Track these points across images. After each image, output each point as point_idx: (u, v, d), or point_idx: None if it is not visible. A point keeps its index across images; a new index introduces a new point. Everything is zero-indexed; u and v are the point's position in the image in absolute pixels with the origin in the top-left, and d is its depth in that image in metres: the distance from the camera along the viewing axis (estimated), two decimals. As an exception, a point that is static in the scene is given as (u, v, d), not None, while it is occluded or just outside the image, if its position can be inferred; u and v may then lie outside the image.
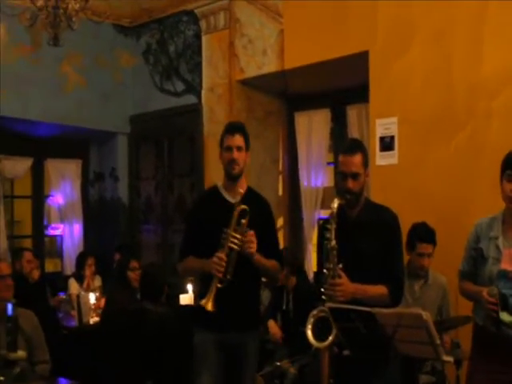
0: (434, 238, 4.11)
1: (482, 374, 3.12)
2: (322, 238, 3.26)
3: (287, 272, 4.88)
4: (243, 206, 3.38)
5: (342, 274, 3.09)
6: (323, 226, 3.29)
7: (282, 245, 6.49)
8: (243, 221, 3.37)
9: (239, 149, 3.54)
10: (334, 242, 3.11)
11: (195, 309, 3.79)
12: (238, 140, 3.54)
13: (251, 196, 3.63)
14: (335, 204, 3.16)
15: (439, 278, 4.24)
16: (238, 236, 3.35)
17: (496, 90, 4.60)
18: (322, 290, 3.10)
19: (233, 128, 3.60)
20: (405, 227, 4.22)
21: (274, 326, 4.82)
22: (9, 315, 2.39)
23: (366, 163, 3.28)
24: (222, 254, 3.31)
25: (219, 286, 3.31)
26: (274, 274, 3.74)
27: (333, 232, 3.12)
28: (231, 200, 3.54)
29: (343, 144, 3.42)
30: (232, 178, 3.56)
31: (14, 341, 2.34)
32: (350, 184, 3.20)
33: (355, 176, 3.20)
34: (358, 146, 3.33)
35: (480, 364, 3.16)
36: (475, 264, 3.23)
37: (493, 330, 3.02)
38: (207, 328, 3.52)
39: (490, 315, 3.00)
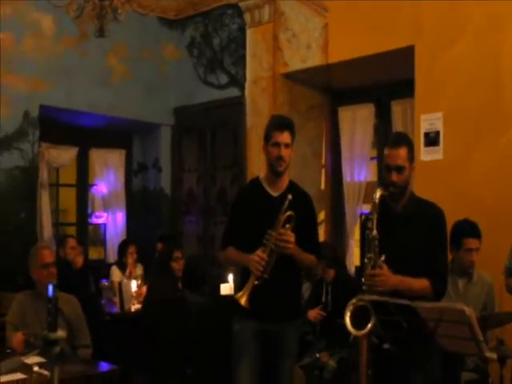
0: (479, 232, 4.07)
1: None
2: (364, 229, 3.26)
3: (324, 265, 4.88)
4: (290, 212, 3.39)
5: (383, 265, 3.09)
6: (366, 217, 3.29)
7: (323, 239, 6.50)
8: (288, 225, 3.39)
9: (287, 146, 3.54)
10: (375, 232, 3.12)
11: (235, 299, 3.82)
12: (287, 137, 3.54)
13: (293, 190, 3.62)
14: (377, 194, 3.17)
15: (485, 276, 4.19)
16: (282, 232, 3.37)
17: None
18: (363, 280, 3.10)
19: (282, 124, 3.59)
20: (448, 224, 4.20)
21: (312, 312, 4.82)
22: (49, 296, 2.44)
23: (411, 157, 3.26)
24: (263, 254, 3.33)
25: (256, 283, 3.33)
26: (311, 269, 3.77)
27: (374, 222, 3.13)
28: (274, 194, 3.57)
29: (388, 138, 3.39)
30: (276, 174, 3.58)
31: (54, 321, 2.39)
32: (395, 177, 3.19)
33: (400, 169, 3.20)
34: (403, 140, 3.32)
35: None
36: None
37: None
38: (247, 317, 3.53)
39: None
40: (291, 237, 3.38)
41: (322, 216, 6.77)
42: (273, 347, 3.55)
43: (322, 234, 6.63)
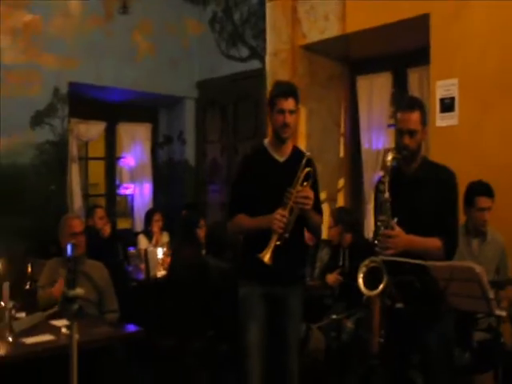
0: (492, 192, 4.03)
1: None
2: (377, 193, 3.22)
3: (342, 230, 4.87)
4: (308, 169, 3.38)
5: (396, 226, 3.06)
6: (379, 181, 3.25)
7: (341, 205, 6.49)
8: (305, 183, 3.37)
9: (291, 112, 3.47)
10: (387, 194, 3.09)
11: (241, 263, 3.75)
12: (291, 103, 3.46)
13: (297, 154, 3.57)
14: (389, 157, 3.14)
15: (497, 236, 4.14)
16: (301, 190, 3.35)
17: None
18: (376, 242, 3.08)
19: (287, 91, 3.49)
20: (463, 187, 4.16)
21: (330, 276, 4.83)
22: (68, 255, 2.49)
23: (424, 121, 3.21)
24: (284, 212, 3.29)
25: (278, 243, 3.29)
26: (319, 228, 3.73)
27: (386, 185, 3.10)
28: (279, 159, 3.52)
29: (402, 101, 3.33)
30: (282, 140, 3.52)
31: (73, 279, 2.43)
32: (407, 140, 3.15)
33: (412, 133, 3.15)
34: (416, 104, 3.25)
35: None
36: None
37: None
38: (253, 281, 3.51)
39: None
40: (310, 193, 3.35)
41: (341, 183, 6.75)
42: (279, 310, 3.52)
43: (340, 201, 6.62)
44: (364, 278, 3.02)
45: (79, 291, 2.42)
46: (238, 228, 3.62)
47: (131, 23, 7.20)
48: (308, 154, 3.43)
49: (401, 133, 3.17)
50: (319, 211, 3.61)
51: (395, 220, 3.08)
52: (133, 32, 7.45)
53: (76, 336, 2.50)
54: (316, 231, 3.76)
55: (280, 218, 3.28)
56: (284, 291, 3.51)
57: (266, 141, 3.63)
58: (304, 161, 3.38)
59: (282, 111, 3.44)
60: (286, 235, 3.31)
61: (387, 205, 3.08)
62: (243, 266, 3.66)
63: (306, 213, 3.40)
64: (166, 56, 7.75)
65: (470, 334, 3.58)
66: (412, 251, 3.01)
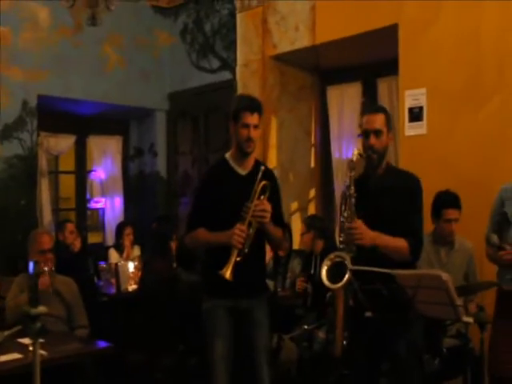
0: (459, 203, 4.09)
1: (506, 336, 3.09)
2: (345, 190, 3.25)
3: (314, 236, 4.89)
4: (265, 182, 3.39)
5: (359, 221, 3.08)
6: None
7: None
8: (262, 196, 3.38)
9: (256, 127, 3.46)
10: (352, 190, 3.13)
11: (205, 277, 3.71)
12: (256, 119, 3.46)
13: (259, 167, 3.54)
14: (354, 152, 3.21)
15: (465, 243, 4.20)
16: (258, 203, 3.36)
17: (525, 59, 4.52)
18: (340, 239, 3.10)
19: (252, 106, 3.48)
20: (431, 196, 4.21)
21: (299, 281, 4.85)
22: (30, 273, 2.48)
23: (389, 125, 3.27)
24: (243, 227, 3.30)
25: (238, 259, 3.29)
26: (280, 242, 3.71)
27: (352, 181, 3.14)
28: (241, 172, 3.52)
29: (366, 109, 3.40)
30: (245, 154, 3.51)
31: (35, 297, 2.42)
32: (373, 140, 3.20)
33: (378, 133, 3.21)
34: (380, 108, 3.36)
35: (504, 327, 3.13)
36: (500, 229, 3.18)
37: None
38: (216, 296, 3.51)
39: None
40: (268, 206, 3.36)
41: (312, 193, 6.79)
42: (244, 322, 3.52)
43: (312, 210, 6.66)
44: (328, 272, 3.04)
45: (42, 309, 2.41)
46: (196, 242, 3.59)
47: (101, 35, 7.17)
48: (263, 167, 3.43)
49: (366, 134, 3.23)
50: (281, 224, 3.62)
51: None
52: (102, 44, 7.42)
53: (40, 354, 2.49)
54: (277, 244, 3.76)
55: (239, 233, 3.28)
56: (248, 304, 3.51)
57: (228, 154, 3.62)
58: (260, 174, 3.39)
59: (247, 125, 3.43)
60: (246, 250, 3.32)
61: (352, 200, 3.12)
62: (205, 281, 3.66)
63: (265, 226, 3.41)
64: (137, 68, 7.74)
65: (439, 341, 3.62)
66: (379, 252, 3.05)
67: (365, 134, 3.24)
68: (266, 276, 3.87)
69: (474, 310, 3.36)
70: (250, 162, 3.56)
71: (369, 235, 3.07)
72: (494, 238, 2.96)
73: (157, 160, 8.18)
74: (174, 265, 5.08)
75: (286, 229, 3.73)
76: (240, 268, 3.29)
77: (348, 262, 2.97)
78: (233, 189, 3.45)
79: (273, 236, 3.53)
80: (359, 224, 3.07)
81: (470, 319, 3.05)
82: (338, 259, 3.03)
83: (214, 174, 3.66)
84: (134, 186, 8.43)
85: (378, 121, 3.22)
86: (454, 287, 2.85)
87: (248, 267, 3.35)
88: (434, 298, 2.85)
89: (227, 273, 3.26)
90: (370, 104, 6.15)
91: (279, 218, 3.60)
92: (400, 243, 3.13)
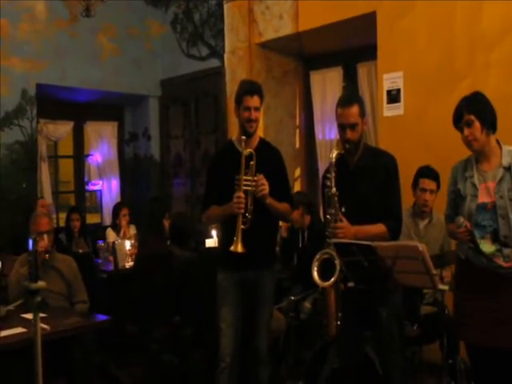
0: (436, 176, 4.07)
1: (467, 301, 3.09)
2: (324, 188, 3.25)
3: (303, 211, 4.87)
4: (249, 150, 3.44)
5: (343, 219, 3.10)
6: (324, 176, 3.26)
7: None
8: (251, 163, 3.42)
9: (256, 109, 3.54)
10: (334, 190, 3.11)
11: (219, 252, 3.89)
12: (256, 101, 3.54)
13: (263, 146, 3.67)
14: (334, 154, 3.16)
15: (442, 218, 4.17)
16: (250, 177, 3.41)
17: (494, 42, 4.53)
18: (327, 233, 3.11)
19: (252, 89, 3.56)
20: (410, 173, 4.21)
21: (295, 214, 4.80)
22: (29, 249, 2.45)
23: (362, 113, 3.22)
24: (239, 193, 3.37)
25: (243, 227, 3.36)
26: (285, 216, 3.77)
27: (332, 180, 3.12)
28: (248, 155, 3.52)
29: (340, 97, 3.34)
30: (248, 134, 3.55)
31: (36, 272, 2.39)
32: (349, 134, 3.17)
33: (353, 126, 3.17)
34: (353, 98, 3.28)
35: (461, 292, 3.13)
36: (456, 205, 3.17)
37: (477, 262, 2.99)
38: (228, 268, 3.60)
39: (470, 248, 2.97)
40: (261, 180, 3.40)
41: (297, 172, 6.81)
42: (251, 295, 3.59)
43: (297, 189, 6.66)
44: (318, 270, 3.04)
45: (41, 284, 2.38)
46: (210, 218, 3.75)
47: (95, 26, 7.13)
48: (249, 150, 3.45)
49: (342, 127, 3.19)
50: (287, 199, 3.65)
51: (343, 209, 3.11)
52: (97, 34, 7.38)
53: (41, 328, 2.46)
54: (280, 218, 3.82)
55: (237, 200, 3.36)
56: (257, 276, 3.58)
57: (234, 136, 3.68)
58: (246, 154, 3.43)
59: (248, 108, 3.51)
60: (249, 216, 3.38)
61: (334, 199, 3.11)
62: (219, 255, 3.78)
63: (264, 200, 3.43)
64: (130, 57, 7.71)
65: (417, 308, 3.62)
66: (360, 239, 3.04)
67: (341, 127, 3.21)
68: (274, 248, 3.93)
69: (448, 278, 3.36)
70: (254, 142, 3.61)
71: (351, 232, 3.09)
72: (461, 219, 2.96)
73: (150, 144, 8.18)
74: (168, 242, 5.05)
75: (292, 203, 3.74)
76: (250, 240, 3.35)
77: (335, 260, 2.96)
78: (236, 166, 3.46)
79: (274, 209, 3.54)
80: (343, 225, 3.09)
81: (445, 287, 3.07)
82: (325, 256, 3.02)
83: (221, 156, 3.78)
84: (130, 169, 8.43)
85: (353, 114, 3.17)
86: (430, 257, 2.85)
87: (254, 240, 3.40)
88: (411, 267, 2.84)
89: (238, 246, 3.36)
90: (350, 87, 6.14)
91: (285, 194, 3.65)
92: (379, 229, 3.15)
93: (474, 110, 3.03)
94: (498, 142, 3.10)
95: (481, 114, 3.02)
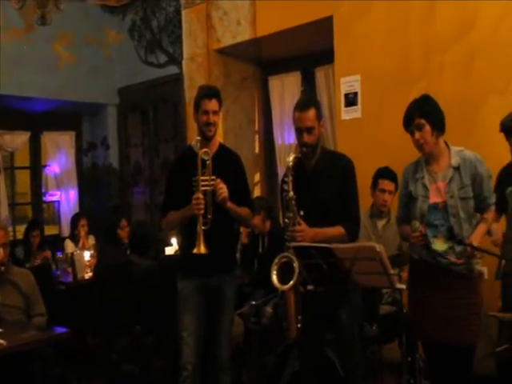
0: (394, 177, 4.12)
1: (420, 299, 3.16)
2: (282, 192, 3.26)
3: (264, 217, 4.89)
4: (204, 150, 3.44)
5: (302, 222, 3.12)
6: (283, 180, 3.29)
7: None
8: (208, 162, 3.43)
9: (215, 113, 3.56)
10: (291, 193, 3.14)
11: (178, 259, 3.90)
12: (214, 104, 3.56)
13: (223, 151, 3.68)
14: (291, 158, 3.19)
15: (398, 219, 4.25)
16: (207, 177, 3.42)
17: (448, 44, 4.62)
18: (285, 237, 3.13)
19: (210, 93, 3.59)
20: (368, 175, 4.26)
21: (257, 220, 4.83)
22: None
23: (319, 116, 3.26)
24: (198, 195, 3.37)
25: (204, 228, 3.36)
26: (246, 220, 3.78)
27: (290, 184, 3.15)
28: (204, 156, 3.53)
29: (298, 101, 3.38)
30: (207, 139, 3.57)
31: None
32: (306, 138, 3.21)
33: (310, 130, 3.21)
34: (310, 102, 3.31)
35: (414, 291, 3.20)
36: (408, 208, 3.23)
37: (430, 261, 3.05)
38: (189, 275, 3.58)
39: (423, 247, 3.03)
40: (221, 183, 3.42)
41: (257, 177, 6.84)
42: (213, 301, 3.59)
43: (257, 194, 6.68)
44: (278, 274, 3.05)
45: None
46: (169, 224, 3.72)
47: (51, 34, 7.07)
48: (203, 150, 3.44)
49: (300, 131, 3.23)
50: (247, 204, 3.67)
51: (301, 213, 3.14)
52: (53, 43, 7.32)
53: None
54: (240, 222, 3.86)
55: (196, 201, 3.36)
56: (219, 282, 3.58)
57: (194, 142, 3.66)
58: (202, 154, 3.43)
59: (206, 112, 3.54)
60: (209, 216, 3.39)
61: (292, 203, 3.13)
62: (179, 262, 3.77)
63: (224, 204, 3.44)
64: (87, 65, 7.65)
65: (377, 308, 3.67)
66: (319, 241, 3.07)
67: (298, 131, 3.24)
68: (235, 253, 3.97)
69: (406, 277, 3.41)
70: (214, 147, 3.62)
71: (309, 235, 3.11)
72: (417, 224, 3.03)
73: (109, 152, 8.14)
74: (128, 251, 5.02)
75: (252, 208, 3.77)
76: (209, 244, 3.35)
77: (294, 262, 2.98)
78: (195, 171, 3.45)
79: (234, 213, 3.56)
80: (301, 228, 3.11)
81: (402, 286, 3.11)
82: (284, 259, 3.04)
83: (180, 161, 3.79)
84: (88, 179, 8.37)
85: (309, 118, 3.20)
86: (388, 257, 2.89)
87: (214, 245, 3.40)
88: (369, 268, 2.88)
89: (200, 247, 3.36)
90: (305, 93, 6.19)
91: (244, 198, 3.67)
92: (338, 231, 3.18)
93: (425, 113, 3.11)
94: (446, 143, 3.18)
95: (431, 118, 3.10)
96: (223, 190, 3.41)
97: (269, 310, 4.26)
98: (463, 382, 3.10)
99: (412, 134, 3.15)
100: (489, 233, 3.46)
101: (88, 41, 7.68)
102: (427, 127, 3.09)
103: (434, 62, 4.67)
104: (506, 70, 4.31)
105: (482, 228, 3.09)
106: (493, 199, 3.17)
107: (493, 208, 3.18)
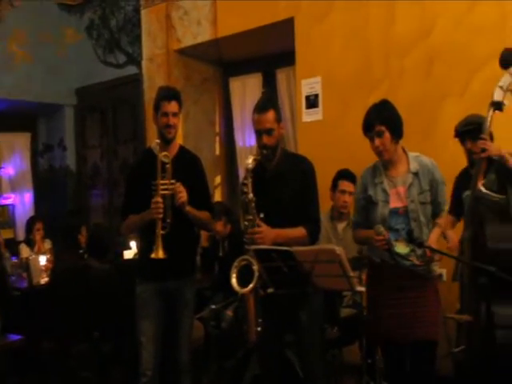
0: (355, 179, 4.14)
1: (373, 301, 3.21)
2: (241, 194, 3.25)
3: (225, 221, 4.90)
4: (164, 153, 3.43)
5: (261, 223, 3.12)
6: (242, 182, 3.28)
7: (220, 200, 6.54)
8: (167, 166, 3.42)
9: (174, 115, 3.56)
10: (251, 196, 3.12)
11: (137, 262, 3.88)
12: (174, 106, 3.55)
13: (183, 154, 3.68)
14: (250, 160, 3.18)
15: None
16: (167, 181, 3.41)
17: (408, 48, 4.70)
18: (245, 240, 3.13)
19: (169, 95, 3.58)
20: (329, 177, 4.31)
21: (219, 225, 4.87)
22: None
23: (278, 118, 3.27)
24: (157, 198, 3.37)
25: (163, 232, 3.36)
26: (206, 224, 3.78)
27: (249, 186, 3.14)
28: (164, 159, 3.52)
29: (256, 103, 3.39)
30: (167, 141, 3.57)
31: None
32: (265, 140, 3.21)
33: (269, 132, 3.21)
34: (269, 104, 3.30)
35: (372, 293, 3.25)
36: (366, 212, 3.28)
37: (391, 263, 3.09)
38: (148, 279, 3.58)
39: (386, 251, 3.07)
40: (180, 187, 3.41)
41: (218, 180, 6.84)
42: (172, 305, 3.58)
43: (218, 197, 6.68)
44: (237, 277, 3.06)
45: None
46: (129, 227, 3.70)
47: (5, 32, 6.97)
48: (163, 153, 3.44)
49: (259, 133, 3.23)
50: (208, 209, 3.68)
51: (261, 215, 3.14)
52: (7, 41, 7.21)
53: None
54: (200, 226, 3.84)
55: (154, 205, 3.36)
56: (178, 286, 3.57)
57: (153, 144, 3.63)
58: (162, 157, 3.42)
59: (166, 114, 3.53)
60: (168, 220, 3.39)
61: (252, 205, 3.13)
62: (137, 266, 3.75)
63: (183, 207, 3.44)
64: (44, 64, 7.56)
65: (337, 310, 3.72)
66: (280, 243, 3.09)
67: (257, 133, 3.25)
68: (194, 257, 3.94)
69: (365, 281, 3.46)
70: (174, 149, 3.62)
71: (270, 237, 3.11)
72: (381, 228, 3.07)
73: (66, 154, 8.07)
74: (86, 255, 4.98)
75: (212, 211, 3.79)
76: (168, 248, 3.36)
77: (254, 265, 2.99)
78: (155, 174, 3.45)
79: (194, 217, 3.56)
80: (261, 229, 3.11)
81: (362, 288, 3.15)
82: (244, 263, 3.05)
83: (140, 163, 3.77)
84: (44, 181, 8.27)
85: (269, 119, 3.20)
86: (348, 259, 2.93)
87: (173, 248, 3.41)
88: (329, 270, 2.90)
89: (159, 252, 3.35)
90: (264, 95, 6.21)
91: (205, 202, 3.67)
92: (299, 233, 3.20)
93: (385, 120, 3.15)
94: (403, 149, 3.24)
95: (391, 124, 3.15)
96: (183, 194, 3.41)
97: (229, 313, 4.28)
98: (427, 381, 3.15)
99: (371, 140, 3.19)
100: (444, 237, 3.55)
101: (44, 39, 7.59)
102: (387, 134, 3.13)
103: (395, 65, 4.76)
104: (464, 73, 4.41)
105: (436, 232, 3.18)
106: (445, 205, 3.26)
107: (445, 214, 3.27)
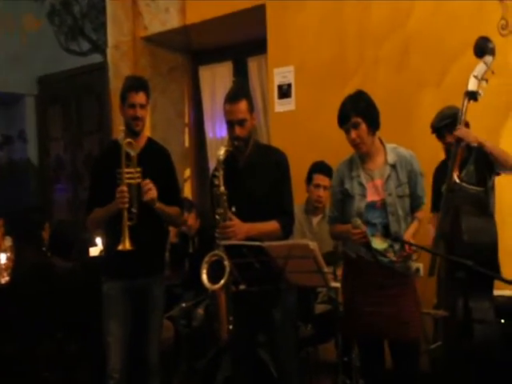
0: (330, 172, 4.10)
1: (360, 297, 3.21)
2: (212, 187, 3.22)
3: (196, 216, 4.89)
4: (127, 140, 3.41)
5: (233, 217, 3.10)
6: (213, 175, 3.26)
7: (189, 194, 6.52)
8: (132, 154, 3.40)
9: (142, 106, 3.52)
10: (222, 188, 3.10)
11: (103, 259, 3.88)
12: (142, 97, 3.51)
13: (151, 146, 3.65)
14: (221, 151, 3.16)
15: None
16: (132, 170, 3.39)
17: (382, 38, 4.73)
18: (216, 234, 3.11)
19: (137, 85, 3.54)
20: (303, 169, 4.31)
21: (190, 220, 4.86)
22: None
23: (251, 108, 3.25)
24: (121, 188, 3.34)
25: (129, 223, 3.34)
26: (175, 220, 3.77)
27: (221, 179, 3.11)
28: (131, 152, 3.48)
29: (228, 93, 3.36)
30: (134, 133, 3.53)
31: None
32: (238, 131, 3.18)
33: (242, 122, 3.18)
34: (241, 93, 3.28)
35: (353, 291, 3.25)
36: (343, 206, 3.28)
37: (369, 259, 3.09)
38: (115, 276, 3.54)
39: (363, 246, 3.07)
40: (150, 183, 3.39)
41: (187, 173, 6.80)
42: (141, 304, 3.55)
43: (187, 190, 6.65)
44: (207, 273, 3.04)
45: None
46: (94, 221, 3.65)
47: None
48: (126, 140, 3.41)
49: (231, 124, 3.21)
50: (176, 202, 3.66)
51: (233, 209, 3.12)
52: (-36, 28, 7.08)
53: None
54: (172, 223, 3.87)
55: (120, 194, 3.34)
56: (146, 284, 3.55)
57: (120, 136, 3.57)
58: (125, 145, 3.40)
59: (133, 105, 3.50)
60: (135, 210, 3.37)
61: (223, 198, 3.11)
62: (104, 264, 3.73)
63: (153, 204, 3.42)
64: (3, 52, 7.45)
65: (311, 307, 3.73)
66: (254, 237, 3.07)
67: (229, 124, 3.22)
68: (163, 254, 3.92)
69: (341, 275, 3.46)
70: (142, 142, 3.59)
71: (242, 231, 3.09)
72: (359, 221, 3.07)
73: (27, 147, 7.96)
74: (49, 253, 4.91)
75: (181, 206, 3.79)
76: (135, 242, 3.34)
77: (225, 260, 2.98)
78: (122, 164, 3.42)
79: (163, 214, 3.54)
80: (233, 223, 3.09)
81: (337, 284, 3.16)
82: (214, 258, 3.04)
83: (105, 155, 3.73)
84: (3, 175, 8.16)
85: (241, 109, 3.18)
86: (323, 254, 2.93)
87: (141, 244, 3.39)
88: (303, 266, 2.90)
89: (126, 243, 3.34)
90: (235, 84, 6.20)
91: (174, 196, 3.65)
92: (272, 226, 3.19)
93: (361, 111, 3.13)
94: (380, 140, 3.24)
95: (367, 116, 3.14)
96: (152, 191, 3.39)
97: (200, 312, 4.26)
98: (410, 380, 3.16)
99: (347, 133, 3.18)
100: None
101: (3, 26, 7.45)
102: (363, 126, 3.12)
103: (369, 56, 4.79)
104: (440, 63, 4.44)
105: (414, 226, 3.17)
106: (425, 198, 3.25)
107: (424, 207, 3.27)
